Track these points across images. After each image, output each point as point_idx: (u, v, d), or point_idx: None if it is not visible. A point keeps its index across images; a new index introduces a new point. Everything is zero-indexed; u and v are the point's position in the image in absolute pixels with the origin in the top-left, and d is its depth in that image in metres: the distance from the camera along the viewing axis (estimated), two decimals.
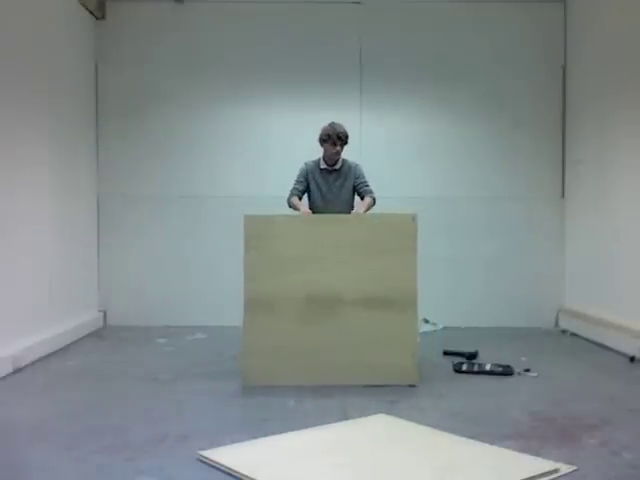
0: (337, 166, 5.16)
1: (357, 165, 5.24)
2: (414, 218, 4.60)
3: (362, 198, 5.13)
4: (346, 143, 5.10)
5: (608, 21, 6.22)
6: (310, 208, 5.13)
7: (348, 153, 7.28)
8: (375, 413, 3.81)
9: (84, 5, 6.63)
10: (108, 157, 7.10)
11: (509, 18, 7.19)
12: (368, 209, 5.02)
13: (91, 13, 6.85)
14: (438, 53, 7.17)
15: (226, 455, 3.07)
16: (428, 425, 3.59)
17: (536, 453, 3.15)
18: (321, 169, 5.18)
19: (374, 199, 5.10)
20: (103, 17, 7.04)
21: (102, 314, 7.05)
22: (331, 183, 5.15)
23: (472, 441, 3.33)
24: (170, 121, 7.11)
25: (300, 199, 5.18)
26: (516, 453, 3.15)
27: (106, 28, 7.07)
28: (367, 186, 5.16)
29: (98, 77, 7.09)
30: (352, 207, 5.15)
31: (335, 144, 5.03)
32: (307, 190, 5.21)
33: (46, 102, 5.74)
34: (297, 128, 7.11)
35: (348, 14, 7.15)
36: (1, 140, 4.89)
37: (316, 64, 7.14)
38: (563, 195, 7.15)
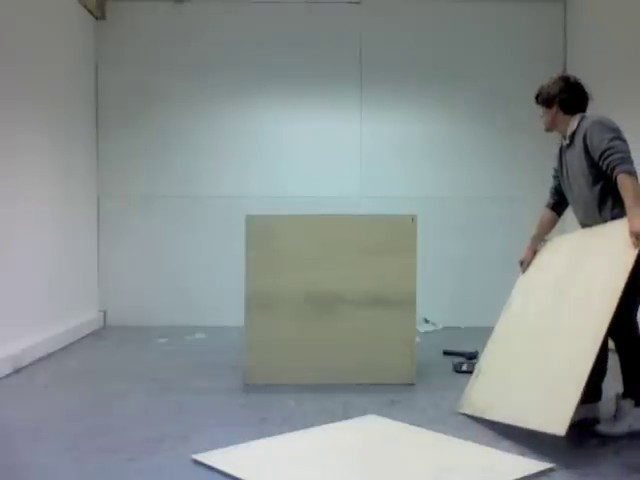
0: (565, 134, 3.67)
1: (590, 125, 3.49)
2: (413, 219, 4.61)
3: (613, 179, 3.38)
4: (546, 104, 3.68)
5: (608, 21, 6.22)
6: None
7: (348, 152, 7.31)
8: (375, 413, 3.81)
9: (84, 5, 6.63)
10: (108, 157, 7.10)
11: (509, 18, 7.19)
12: (634, 200, 3.25)
13: (91, 13, 6.85)
14: (438, 53, 7.17)
15: (221, 458, 3.07)
16: (428, 425, 3.59)
17: (536, 453, 3.15)
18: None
19: (628, 173, 3.31)
20: (103, 17, 7.05)
21: (102, 314, 7.05)
22: (565, 163, 3.71)
23: (464, 441, 3.33)
24: (170, 121, 7.11)
25: (555, 204, 3.94)
26: (510, 454, 3.15)
27: (106, 28, 7.07)
28: (606, 156, 3.37)
29: (98, 77, 7.09)
30: (601, 200, 3.48)
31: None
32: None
33: (46, 102, 5.74)
34: (297, 128, 7.12)
35: (348, 14, 7.15)
36: (1, 140, 4.89)
37: (316, 64, 7.14)
38: None
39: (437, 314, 6.90)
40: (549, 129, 3.75)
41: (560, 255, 3.79)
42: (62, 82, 6.16)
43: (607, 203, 3.46)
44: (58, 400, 4.13)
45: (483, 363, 3.97)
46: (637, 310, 3.55)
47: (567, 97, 3.62)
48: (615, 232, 3.34)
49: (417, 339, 4.73)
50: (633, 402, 3.54)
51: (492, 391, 3.72)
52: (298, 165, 7.12)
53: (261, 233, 4.57)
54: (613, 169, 3.34)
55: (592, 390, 3.60)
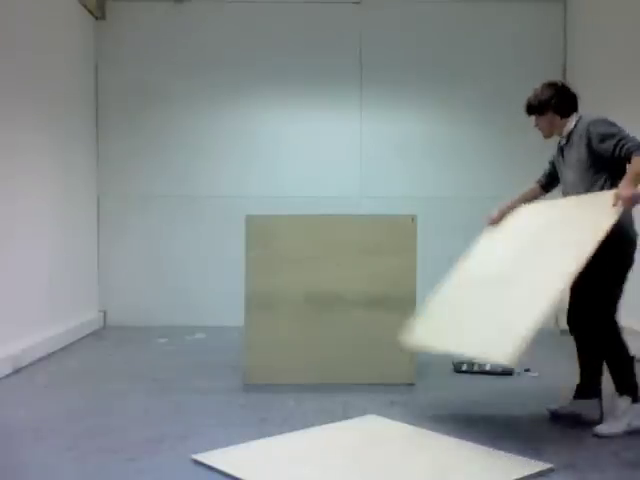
0: (562, 135, 3.80)
1: (594, 120, 3.60)
2: (413, 219, 4.62)
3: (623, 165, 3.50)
4: (539, 111, 3.78)
5: (608, 21, 6.22)
6: None
7: (348, 152, 7.33)
8: (375, 413, 3.81)
9: (84, 5, 6.63)
10: (108, 157, 7.10)
11: (509, 18, 7.20)
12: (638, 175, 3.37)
13: (91, 13, 6.86)
14: (438, 53, 7.17)
15: (221, 458, 3.07)
16: (428, 425, 3.59)
17: (536, 453, 3.15)
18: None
19: None
20: (103, 17, 7.05)
21: (102, 314, 7.05)
22: (562, 158, 3.85)
23: (464, 441, 3.32)
24: (170, 121, 7.11)
25: (545, 184, 4.08)
26: (510, 454, 3.15)
27: (106, 28, 7.07)
28: (623, 143, 3.44)
29: (98, 77, 7.09)
30: (593, 183, 3.60)
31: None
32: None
33: (45, 103, 5.74)
34: (297, 128, 7.12)
35: (348, 14, 7.15)
36: (1, 139, 4.89)
37: (316, 64, 7.14)
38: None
39: None
40: (548, 135, 3.86)
41: (538, 217, 3.90)
42: (62, 82, 6.17)
43: (598, 187, 3.57)
44: (58, 400, 4.13)
45: (434, 304, 3.95)
46: (617, 304, 3.62)
47: (559, 101, 3.75)
48: (600, 199, 3.44)
49: None
50: (630, 399, 3.52)
51: (444, 326, 3.73)
52: (298, 165, 7.12)
53: (261, 233, 4.57)
54: (630, 151, 3.39)
55: (587, 385, 3.68)
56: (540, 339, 6.81)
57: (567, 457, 3.11)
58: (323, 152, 7.12)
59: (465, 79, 7.17)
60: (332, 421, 3.66)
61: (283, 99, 7.16)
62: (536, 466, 2.97)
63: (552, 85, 3.81)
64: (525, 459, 3.07)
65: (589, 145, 3.56)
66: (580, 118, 3.71)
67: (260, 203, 6.59)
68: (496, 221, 4.13)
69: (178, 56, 7.12)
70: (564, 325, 6.39)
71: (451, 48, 7.17)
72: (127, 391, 4.36)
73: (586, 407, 3.67)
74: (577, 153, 3.65)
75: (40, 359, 5.27)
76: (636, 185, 3.35)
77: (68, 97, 6.34)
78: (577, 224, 3.49)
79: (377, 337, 4.54)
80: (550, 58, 7.11)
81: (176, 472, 2.96)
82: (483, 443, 3.29)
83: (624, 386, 3.54)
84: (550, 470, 2.95)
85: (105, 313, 7.10)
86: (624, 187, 3.34)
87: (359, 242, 4.59)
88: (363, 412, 3.83)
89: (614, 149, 3.47)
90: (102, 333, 6.70)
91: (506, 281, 3.54)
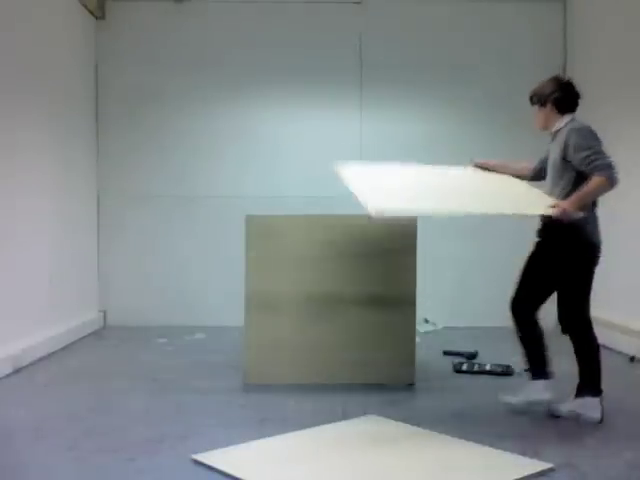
0: (551, 130, 3.89)
1: (578, 128, 3.68)
2: (414, 219, 4.62)
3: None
4: (540, 102, 3.86)
5: (608, 21, 6.22)
6: None
7: (348, 153, 7.30)
8: (375, 413, 3.81)
9: (84, 5, 6.63)
10: (108, 157, 7.10)
11: (509, 18, 7.19)
12: (588, 195, 3.55)
13: (91, 13, 6.85)
14: (438, 53, 7.17)
15: (221, 458, 3.06)
16: (428, 425, 3.59)
17: (536, 453, 3.15)
18: None
19: (609, 178, 3.53)
20: (103, 17, 7.04)
21: (102, 314, 7.05)
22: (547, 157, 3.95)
23: (464, 441, 3.33)
24: (170, 121, 7.11)
25: (535, 173, 4.16)
26: (510, 454, 3.15)
27: (106, 28, 7.07)
28: (593, 159, 3.55)
29: (98, 77, 7.09)
30: (561, 187, 3.73)
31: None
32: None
33: (46, 102, 5.74)
34: (297, 128, 7.12)
35: (348, 14, 7.15)
36: (1, 138, 4.89)
37: (316, 64, 7.13)
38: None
39: (437, 314, 6.89)
40: (544, 127, 3.92)
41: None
42: (62, 81, 6.17)
43: (560, 190, 3.72)
44: (58, 400, 4.14)
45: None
46: (588, 306, 3.78)
47: (561, 96, 3.83)
48: (544, 197, 3.78)
49: (417, 339, 4.73)
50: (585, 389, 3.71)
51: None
52: (297, 165, 7.11)
53: (261, 233, 4.57)
54: (597, 169, 3.54)
55: (587, 385, 3.76)
56: None
57: (567, 457, 3.11)
58: (323, 152, 7.11)
59: (465, 79, 7.16)
60: (332, 421, 3.66)
61: (283, 99, 7.16)
62: (536, 466, 2.97)
63: (558, 80, 3.91)
64: (525, 459, 3.08)
65: (564, 150, 3.67)
66: (571, 120, 3.80)
67: (261, 203, 6.58)
68: (479, 165, 4.31)
69: (178, 56, 7.11)
70: None
71: (451, 48, 7.16)
72: (127, 391, 4.36)
73: (586, 406, 3.69)
74: (554, 154, 3.78)
75: (40, 359, 5.26)
76: (580, 204, 3.53)
77: (68, 96, 6.34)
78: (525, 194, 3.97)
79: (377, 337, 4.54)
80: (550, 58, 7.10)
81: (176, 472, 2.96)
82: (483, 443, 3.29)
83: (587, 386, 3.71)
84: (550, 470, 2.95)
85: (105, 313, 7.10)
86: (568, 201, 3.55)
87: (359, 242, 4.59)
88: (363, 412, 3.83)
89: (583, 161, 3.58)
90: (102, 333, 6.70)
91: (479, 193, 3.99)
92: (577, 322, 3.77)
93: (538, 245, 3.91)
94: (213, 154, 7.16)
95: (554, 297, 3.88)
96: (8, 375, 4.71)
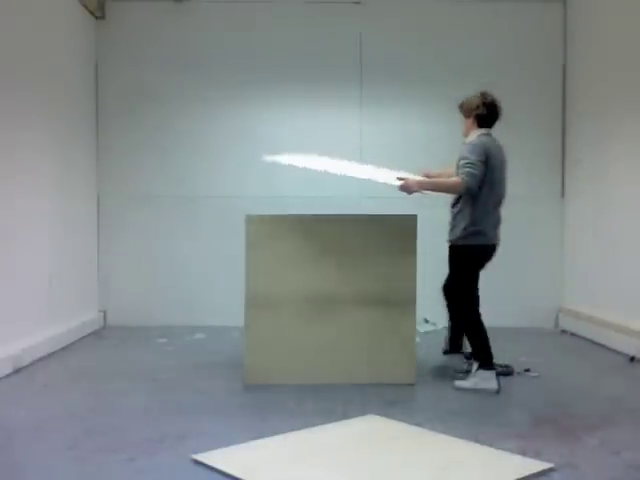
0: (466, 140, 4.60)
1: (473, 144, 4.40)
2: (414, 219, 4.62)
3: None
4: (467, 114, 4.57)
5: (608, 21, 6.22)
6: None
7: (348, 152, 7.33)
8: (375, 413, 3.82)
9: (84, 5, 6.63)
10: (108, 157, 7.10)
11: (509, 18, 7.19)
12: (439, 186, 4.56)
13: (91, 13, 6.85)
14: (438, 53, 7.17)
15: (221, 458, 3.07)
16: (428, 425, 3.60)
17: (536, 453, 3.15)
18: None
19: (464, 184, 4.31)
20: (103, 17, 7.04)
21: (102, 314, 7.05)
22: None
23: (464, 441, 3.33)
24: (170, 121, 7.11)
25: None
26: (510, 454, 3.15)
27: (106, 28, 7.07)
28: (463, 165, 4.34)
29: (98, 77, 7.09)
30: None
31: None
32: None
33: (46, 102, 5.74)
34: (297, 127, 7.11)
35: (348, 14, 7.15)
36: (1, 140, 4.89)
37: (316, 64, 7.13)
38: (563, 195, 7.15)
39: (437, 314, 6.88)
40: (465, 136, 4.56)
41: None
42: (62, 81, 6.16)
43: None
44: (58, 400, 4.14)
45: None
46: (475, 286, 4.74)
47: (483, 114, 4.45)
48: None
49: (417, 339, 4.73)
50: (477, 364, 4.36)
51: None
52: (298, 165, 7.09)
53: (261, 233, 4.57)
54: (461, 173, 4.28)
55: (454, 341, 5.09)
56: (540, 339, 6.83)
57: (567, 457, 3.12)
58: (323, 152, 7.10)
59: (465, 79, 7.13)
60: (332, 421, 3.66)
61: (283, 99, 7.16)
62: (536, 466, 2.98)
63: (484, 97, 4.50)
64: (525, 459, 3.08)
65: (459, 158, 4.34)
66: (483, 134, 4.41)
67: (261, 203, 6.58)
68: (425, 174, 4.92)
69: (178, 55, 7.11)
70: (564, 325, 6.48)
71: (451, 48, 7.16)
72: (127, 391, 4.36)
73: (483, 379, 4.31)
74: (458, 159, 4.42)
75: (40, 359, 5.27)
76: (426, 187, 4.44)
77: (68, 96, 6.34)
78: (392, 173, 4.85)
79: (377, 337, 4.55)
80: (550, 58, 7.11)
81: (176, 472, 2.96)
82: (483, 443, 3.29)
83: (475, 355, 4.42)
84: (550, 470, 2.95)
85: (105, 313, 7.10)
86: (417, 180, 4.44)
87: (359, 242, 4.59)
88: (363, 412, 3.83)
89: (459, 168, 4.31)
90: (102, 333, 6.70)
91: None
92: (465, 305, 4.59)
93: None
94: (213, 154, 7.16)
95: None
96: (8, 375, 4.72)
